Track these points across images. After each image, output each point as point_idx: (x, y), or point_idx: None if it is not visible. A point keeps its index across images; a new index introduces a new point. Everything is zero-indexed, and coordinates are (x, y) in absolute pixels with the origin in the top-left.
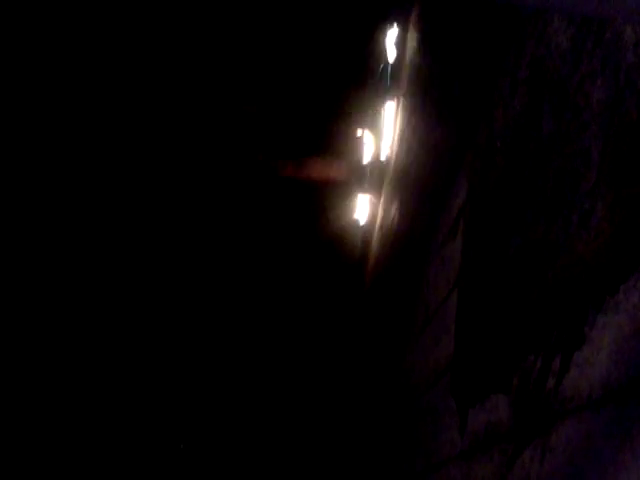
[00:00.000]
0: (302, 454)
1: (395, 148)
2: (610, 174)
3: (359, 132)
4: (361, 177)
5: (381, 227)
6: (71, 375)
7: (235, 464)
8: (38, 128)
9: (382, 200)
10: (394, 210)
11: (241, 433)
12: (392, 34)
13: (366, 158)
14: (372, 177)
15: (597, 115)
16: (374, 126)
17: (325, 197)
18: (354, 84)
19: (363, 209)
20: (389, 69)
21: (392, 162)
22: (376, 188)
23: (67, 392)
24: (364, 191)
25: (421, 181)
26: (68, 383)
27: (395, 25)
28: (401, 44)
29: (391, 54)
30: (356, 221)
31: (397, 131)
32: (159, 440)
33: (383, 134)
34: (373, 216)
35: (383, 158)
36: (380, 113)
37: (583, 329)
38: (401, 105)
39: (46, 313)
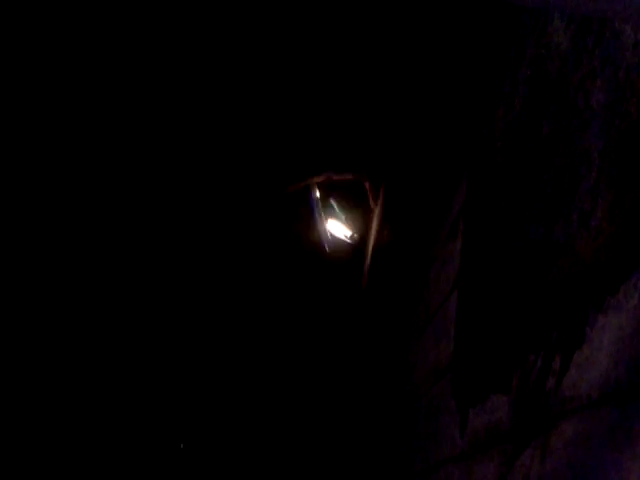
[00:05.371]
0: (302, 454)
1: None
2: (610, 174)
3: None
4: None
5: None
6: (71, 375)
7: (235, 464)
8: (48, 129)
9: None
10: (394, 210)
11: (241, 433)
12: None
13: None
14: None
15: (597, 115)
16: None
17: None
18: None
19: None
20: None
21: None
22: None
23: (67, 392)
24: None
25: (421, 181)
26: (68, 383)
27: None
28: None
29: None
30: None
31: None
32: (159, 440)
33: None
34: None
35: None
36: None
37: (583, 329)
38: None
39: (46, 313)
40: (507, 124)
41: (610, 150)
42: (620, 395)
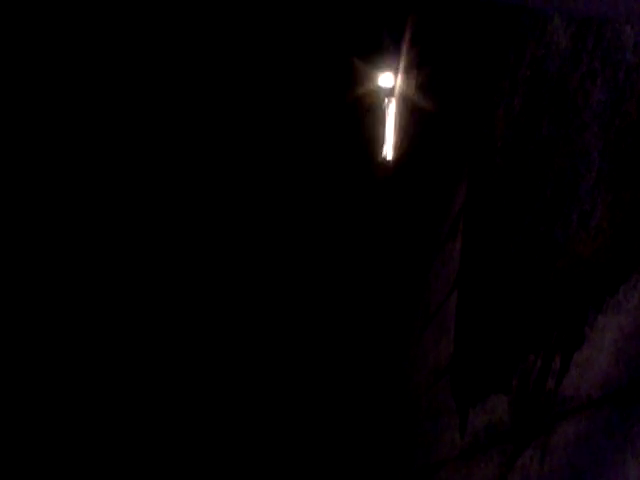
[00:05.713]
0: (302, 454)
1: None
2: (610, 174)
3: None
4: None
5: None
6: (70, 375)
7: (235, 464)
8: (48, 128)
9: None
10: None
11: (241, 433)
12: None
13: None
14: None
15: (597, 115)
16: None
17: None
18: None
19: None
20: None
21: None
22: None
23: (66, 392)
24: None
25: (422, 182)
26: (67, 383)
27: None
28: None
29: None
30: None
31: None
32: (159, 440)
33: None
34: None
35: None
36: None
37: (583, 329)
38: (402, 102)
39: (45, 313)
40: (507, 124)
41: (610, 150)
42: (620, 395)
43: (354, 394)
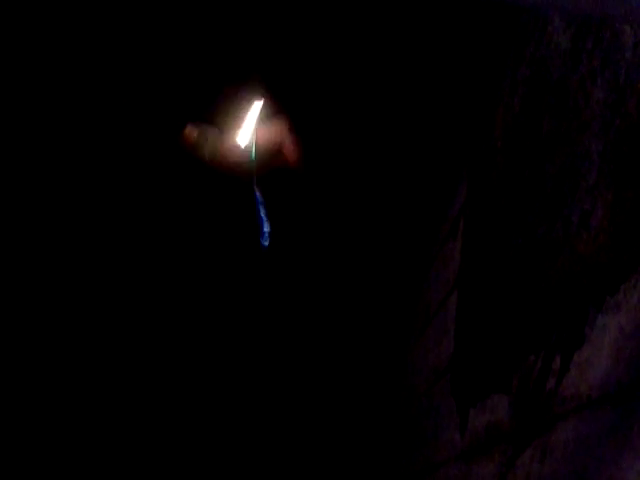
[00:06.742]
0: (302, 454)
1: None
2: (610, 174)
3: None
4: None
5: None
6: (70, 375)
7: (235, 464)
8: (35, 128)
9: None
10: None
11: (241, 433)
12: None
13: None
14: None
15: (597, 115)
16: None
17: None
18: None
19: None
20: None
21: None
22: None
23: (66, 392)
24: None
25: (422, 181)
26: (67, 383)
27: None
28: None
29: None
30: None
31: None
32: (159, 440)
33: None
34: None
35: None
36: None
37: (583, 329)
38: None
39: (44, 312)
40: (507, 124)
41: (610, 150)
42: (620, 395)
43: (354, 394)
